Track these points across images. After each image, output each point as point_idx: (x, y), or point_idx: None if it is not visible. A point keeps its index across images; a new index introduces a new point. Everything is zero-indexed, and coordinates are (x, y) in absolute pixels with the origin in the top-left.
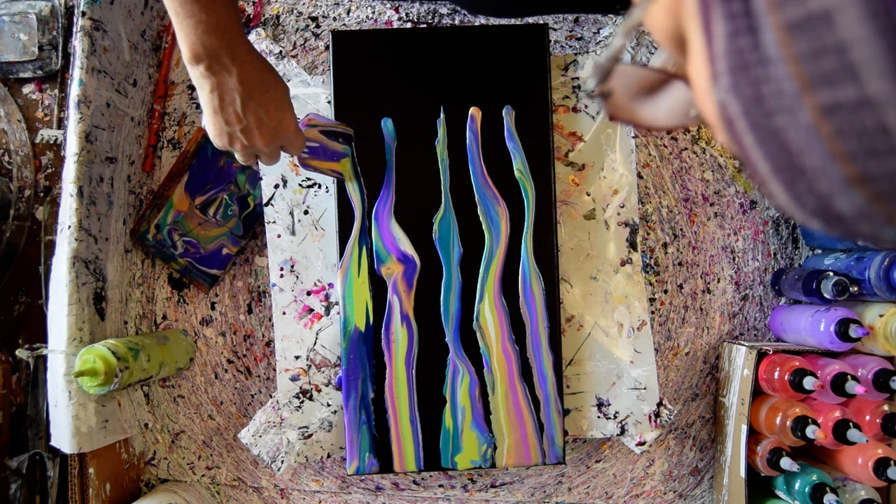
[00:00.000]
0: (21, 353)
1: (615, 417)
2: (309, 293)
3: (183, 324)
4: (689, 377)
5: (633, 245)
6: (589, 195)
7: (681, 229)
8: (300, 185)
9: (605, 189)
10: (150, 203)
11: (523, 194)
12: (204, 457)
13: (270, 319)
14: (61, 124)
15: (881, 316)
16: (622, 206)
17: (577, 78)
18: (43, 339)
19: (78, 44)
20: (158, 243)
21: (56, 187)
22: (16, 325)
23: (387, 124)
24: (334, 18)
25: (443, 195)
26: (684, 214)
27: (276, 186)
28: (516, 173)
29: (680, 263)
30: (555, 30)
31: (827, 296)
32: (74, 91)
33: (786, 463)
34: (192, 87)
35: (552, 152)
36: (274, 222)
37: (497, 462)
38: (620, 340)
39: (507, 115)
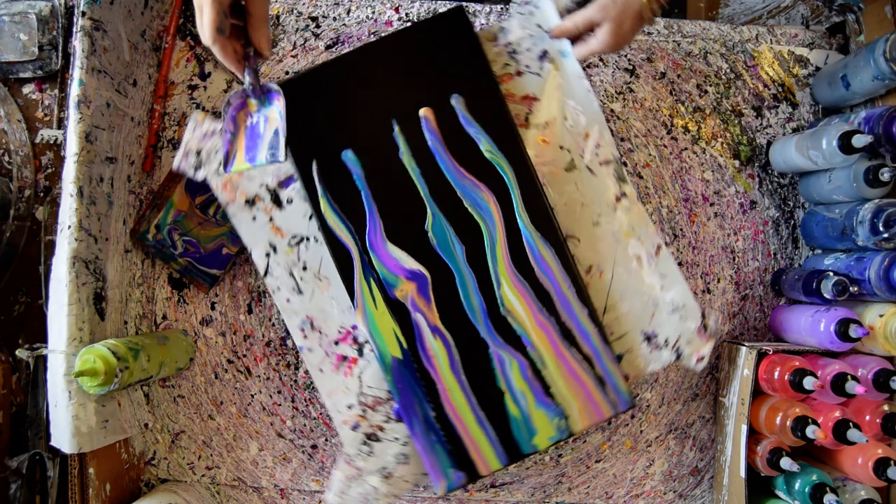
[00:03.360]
0: (21, 353)
1: (666, 345)
2: (337, 342)
3: (183, 324)
4: (689, 377)
5: (621, 178)
6: (563, 148)
7: (681, 229)
8: (289, 244)
9: (576, 136)
10: (150, 203)
11: (501, 172)
12: (204, 457)
13: (270, 320)
14: (61, 124)
15: (881, 316)
16: (598, 146)
17: (510, 43)
18: (43, 339)
19: (78, 44)
20: (158, 243)
21: (56, 187)
22: (16, 325)
23: (348, 156)
24: (334, 18)
25: (426, 202)
26: (684, 214)
27: (268, 255)
28: (487, 155)
29: (680, 263)
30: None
31: (827, 296)
32: (74, 91)
33: (786, 463)
34: (192, 87)
35: (512, 122)
36: (278, 289)
37: (573, 428)
38: (644, 271)
39: (458, 104)
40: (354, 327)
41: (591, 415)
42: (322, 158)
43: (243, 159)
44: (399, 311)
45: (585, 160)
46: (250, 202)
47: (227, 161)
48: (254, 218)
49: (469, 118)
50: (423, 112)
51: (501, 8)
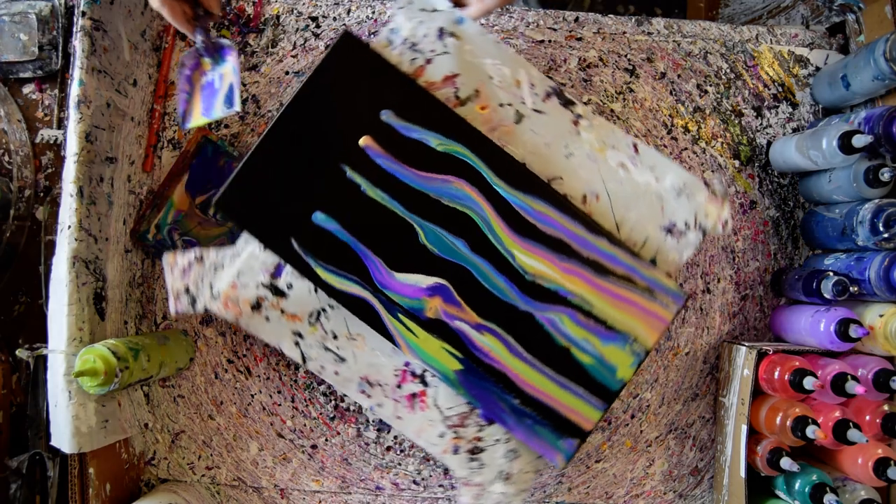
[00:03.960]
0: (21, 353)
1: (688, 227)
2: (399, 385)
3: (183, 324)
4: (689, 377)
5: (568, 103)
6: (503, 105)
7: None
8: (310, 324)
9: (508, 89)
10: (150, 203)
11: (460, 157)
12: (204, 457)
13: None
14: (61, 124)
15: (881, 316)
16: (532, 86)
17: (406, 39)
18: (43, 339)
19: (78, 44)
20: (158, 243)
21: (56, 187)
22: (16, 325)
23: (318, 218)
24: (334, 18)
25: (408, 220)
26: None
27: (297, 343)
28: (440, 148)
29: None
30: (555, 30)
31: (827, 296)
32: (74, 91)
33: (786, 463)
34: None
35: (446, 108)
36: (323, 368)
37: (647, 346)
38: (633, 174)
39: (390, 118)
40: (407, 364)
41: (655, 325)
42: (297, 233)
43: (199, 115)
44: (439, 329)
45: (529, 105)
46: (256, 307)
47: (183, 119)
48: (267, 318)
49: (407, 125)
50: (363, 142)
51: (502, 8)
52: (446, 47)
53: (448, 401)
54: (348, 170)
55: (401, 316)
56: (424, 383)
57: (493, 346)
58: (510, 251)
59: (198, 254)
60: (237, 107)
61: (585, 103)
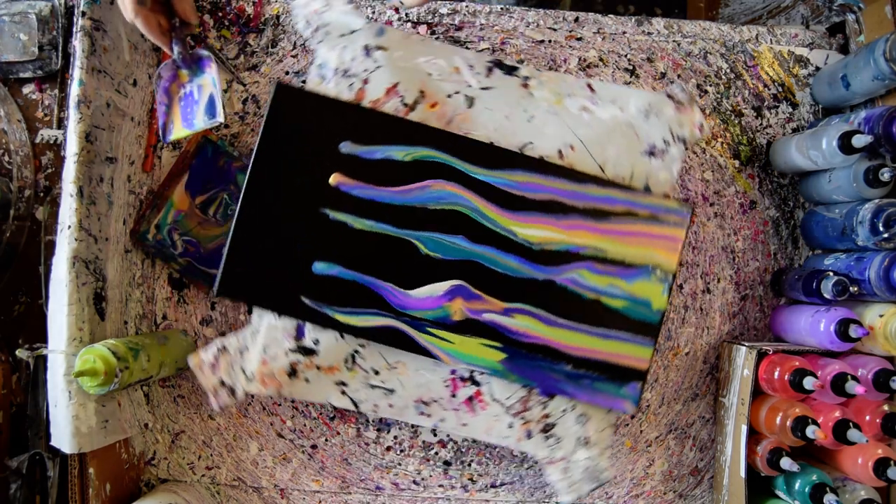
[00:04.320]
0: (21, 353)
1: (668, 144)
2: (453, 395)
3: (183, 324)
4: (689, 377)
5: (511, 69)
6: (450, 96)
7: None
8: (349, 370)
9: (450, 78)
10: (150, 203)
11: (429, 160)
12: (204, 457)
13: None
14: (61, 124)
15: (881, 316)
16: (471, 67)
17: (336, 69)
18: (43, 339)
19: (78, 44)
20: (158, 243)
21: (56, 187)
22: (16, 325)
23: (318, 267)
24: None
25: (403, 237)
26: None
27: (344, 392)
28: (407, 159)
29: (680, 263)
30: (554, 30)
31: (827, 296)
32: (74, 91)
33: (786, 463)
34: None
35: (400, 119)
36: (376, 407)
37: (670, 269)
38: (598, 113)
39: (349, 148)
40: (454, 371)
41: (671, 247)
42: (303, 289)
43: (181, 127)
44: (470, 327)
45: (475, 86)
46: (293, 373)
47: (164, 132)
48: (306, 380)
49: (368, 148)
50: (333, 181)
51: (501, 8)
52: (377, 62)
53: (504, 391)
54: (330, 212)
55: (430, 329)
56: (476, 383)
57: (528, 325)
58: (509, 230)
59: (219, 345)
60: (220, 117)
61: (521, 62)
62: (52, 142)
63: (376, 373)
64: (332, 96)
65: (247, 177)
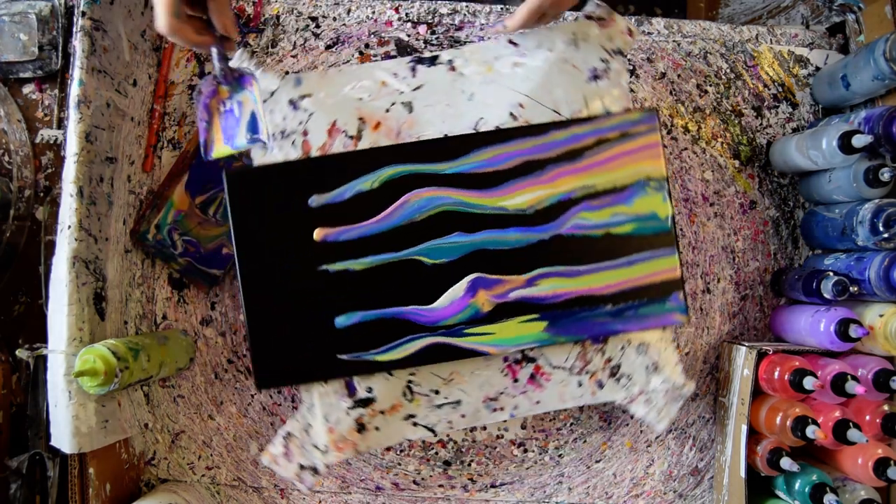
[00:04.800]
0: (21, 353)
1: (606, 61)
2: (515, 380)
3: (183, 324)
4: (688, 377)
5: (433, 60)
6: (388, 110)
7: (681, 229)
8: (409, 401)
9: (380, 94)
10: (150, 203)
11: (394, 177)
12: (204, 457)
13: None
14: (61, 124)
15: (881, 316)
16: (396, 74)
17: (273, 135)
18: (43, 339)
19: (78, 44)
20: (158, 243)
21: (56, 187)
22: (16, 325)
23: (341, 321)
24: (334, 18)
25: (406, 258)
26: (684, 214)
27: (416, 424)
28: (376, 185)
29: (680, 264)
30: None
31: (827, 296)
32: (74, 91)
33: (786, 463)
34: (192, 87)
35: (355, 154)
36: (451, 423)
37: (662, 176)
38: (528, 63)
39: (318, 200)
40: (506, 358)
41: (652, 154)
42: (336, 347)
43: (223, 145)
44: (503, 311)
45: (407, 90)
46: (362, 428)
47: (206, 149)
48: (377, 428)
49: (335, 193)
50: (318, 236)
51: (501, 8)
52: (308, 110)
53: (560, 356)
54: (328, 267)
55: (467, 331)
56: (531, 360)
57: (553, 285)
58: (498, 206)
59: (284, 433)
60: (263, 138)
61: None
62: (52, 142)
63: (436, 392)
64: (280, 161)
65: (238, 270)
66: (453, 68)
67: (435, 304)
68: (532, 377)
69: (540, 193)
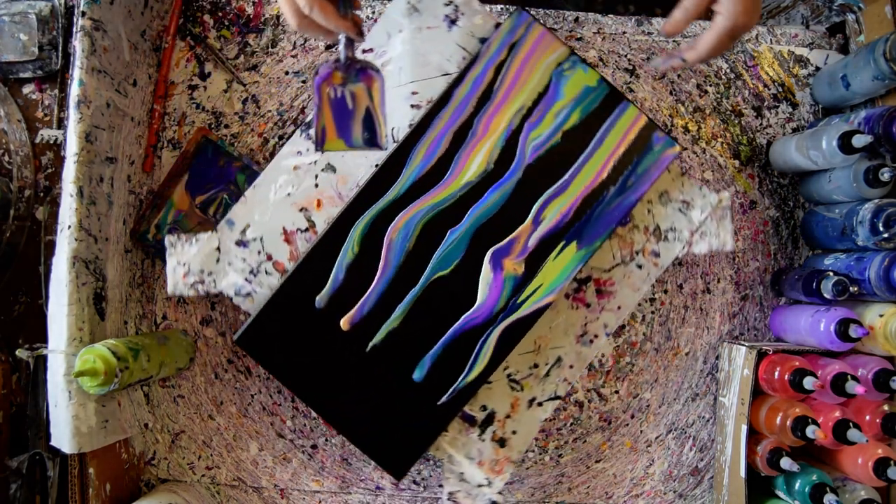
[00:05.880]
0: (21, 353)
1: (451, 2)
2: (587, 305)
3: (183, 324)
4: (689, 377)
5: (305, 124)
6: (317, 185)
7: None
8: (521, 389)
9: (296, 182)
10: (150, 203)
11: (363, 232)
12: (204, 457)
13: None
14: (61, 124)
15: (881, 316)
16: (298, 153)
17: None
18: (43, 339)
19: (78, 44)
20: (158, 243)
21: (56, 187)
22: (16, 325)
23: (417, 376)
24: None
25: (424, 286)
26: None
27: (539, 404)
28: (356, 250)
29: (680, 263)
30: (555, 30)
31: (827, 296)
32: (74, 91)
33: (786, 463)
34: (192, 88)
35: (317, 246)
36: (567, 381)
37: (565, 54)
38: (390, 55)
39: (321, 301)
40: (567, 294)
41: (547, 45)
42: (432, 399)
43: (336, 137)
44: (535, 260)
45: (318, 160)
46: (503, 443)
47: (319, 139)
48: (514, 432)
49: (330, 281)
50: (345, 326)
51: (502, 8)
52: (255, 237)
53: (605, 258)
54: (372, 342)
55: (519, 300)
56: (586, 280)
57: (555, 208)
58: (462, 184)
59: (447, 497)
60: (382, 143)
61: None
62: (52, 142)
63: (535, 366)
64: (268, 297)
65: (308, 405)
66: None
67: (478, 301)
68: (599, 292)
69: (486, 147)
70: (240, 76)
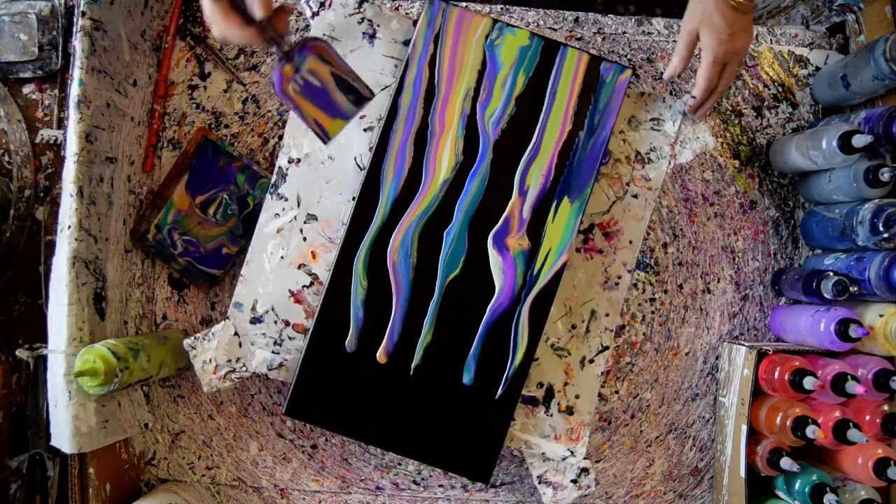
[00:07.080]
0: (21, 353)
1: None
2: (600, 251)
3: (183, 324)
4: (689, 377)
5: (275, 185)
6: (305, 238)
7: (681, 229)
8: (570, 356)
9: (283, 242)
10: (150, 203)
11: (364, 262)
12: (204, 457)
13: None
14: (61, 124)
15: (881, 316)
16: (276, 215)
17: (232, 364)
18: (43, 339)
19: (78, 44)
20: (158, 243)
21: (56, 187)
22: (16, 325)
23: (465, 379)
24: None
25: (440, 291)
26: (684, 214)
27: (590, 361)
28: (365, 284)
29: (680, 263)
30: (555, 30)
31: (827, 296)
32: (74, 91)
33: (786, 463)
34: (192, 87)
35: (328, 293)
36: (608, 331)
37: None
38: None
39: (350, 345)
40: (577, 249)
41: (469, 23)
42: (489, 393)
43: (331, 121)
44: (536, 226)
45: (296, 212)
46: (571, 411)
47: (321, 134)
48: (577, 396)
49: (352, 322)
50: (381, 358)
51: (501, 8)
52: (267, 310)
53: (600, 201)
54: (413, 363)
55: (535, 272)
56: (589, 228)
57: (535, 171)
58: (441, 183)
59: (536, 480)
60: (366, 93)
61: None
62: (52, 142)
63: (573, 327)
64: (299, 361)
65: (379, 447)
66: (298, 160)
67: (497, 287)
68: (606, 235)
69: (449, 142)
70: (240, 76)
